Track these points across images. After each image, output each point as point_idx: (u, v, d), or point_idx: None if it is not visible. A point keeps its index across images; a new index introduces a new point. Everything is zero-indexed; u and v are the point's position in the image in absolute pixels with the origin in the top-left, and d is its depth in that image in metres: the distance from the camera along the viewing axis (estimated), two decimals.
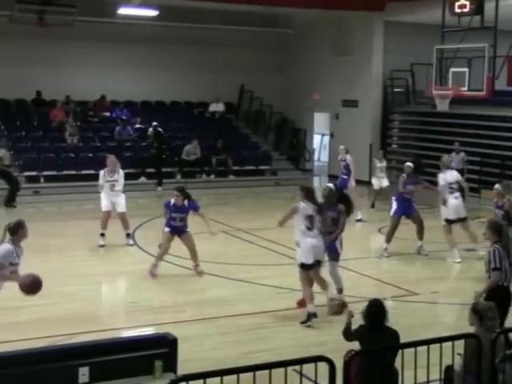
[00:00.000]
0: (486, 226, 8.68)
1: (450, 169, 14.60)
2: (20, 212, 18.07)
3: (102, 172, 15.32)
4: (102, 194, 15.08)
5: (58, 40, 24.30)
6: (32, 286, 7.97)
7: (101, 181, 15.19)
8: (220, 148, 24.56)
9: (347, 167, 18.13)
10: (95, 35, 24.83)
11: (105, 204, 14.94)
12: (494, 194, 12.29)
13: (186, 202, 12.52)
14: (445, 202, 13.95)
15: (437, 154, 21.23)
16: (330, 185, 11.26)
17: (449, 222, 14.04)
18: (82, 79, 25.17)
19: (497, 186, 12.32)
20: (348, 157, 18.13)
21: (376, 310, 6.91)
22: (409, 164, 14.94)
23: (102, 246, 14.77)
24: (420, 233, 14.49)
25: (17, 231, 8.38)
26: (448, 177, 14.17)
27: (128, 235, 15.11)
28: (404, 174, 14.66)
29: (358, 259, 14.03)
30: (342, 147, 18.52)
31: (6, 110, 24.74)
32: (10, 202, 19.44)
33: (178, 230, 12.57)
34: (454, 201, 14.01)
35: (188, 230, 12.63)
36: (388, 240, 14.40)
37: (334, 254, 10.84)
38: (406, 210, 14.43)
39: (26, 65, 24.16)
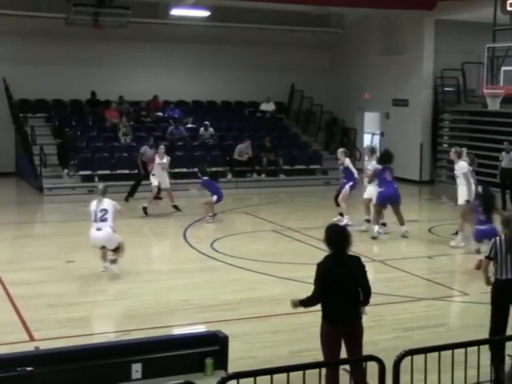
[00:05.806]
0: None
1: None
2: (74, 211, 18.37)
3: None
4: None
5: (112, 41, 24.74)
6: None
7: None
8: (268, 146, 24.53)
9: (345, 171, 17.01)
10: (148, 36, 25.23)
11: None
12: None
13: None
14: None
15: (488, 153, 21.07)
16: None
17: None
18: (134, 80, 25.55)
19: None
20: (347, 160, 16.94)
21: (339, 236, 7.04)
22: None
23: None
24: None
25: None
26: None
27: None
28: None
29: (409, 259, 14.00)
30: (340, 150, 17.44)
31: (62, 110, 25.22)
32: None
33: None
34: None
35: None
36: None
37: None
38: None
39: (81, 66, 24.68)
